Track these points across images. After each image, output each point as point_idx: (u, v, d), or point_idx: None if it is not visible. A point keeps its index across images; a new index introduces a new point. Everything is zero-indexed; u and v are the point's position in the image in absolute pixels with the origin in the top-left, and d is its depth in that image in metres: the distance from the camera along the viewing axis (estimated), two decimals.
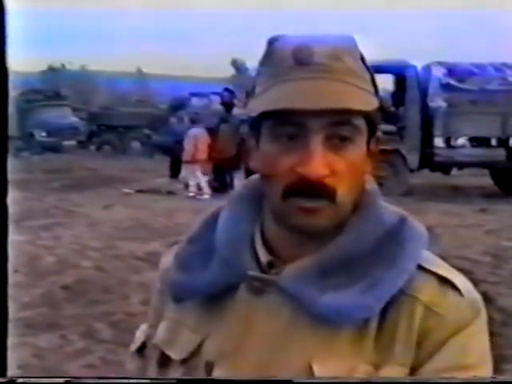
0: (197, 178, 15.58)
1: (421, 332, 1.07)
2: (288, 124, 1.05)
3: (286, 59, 1.07)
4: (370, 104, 1.07)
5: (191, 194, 15.27)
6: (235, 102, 16.62)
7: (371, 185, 1.17)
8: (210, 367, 1.12)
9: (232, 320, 1.13)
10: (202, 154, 15.64)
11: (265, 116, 1.06)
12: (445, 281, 1.10)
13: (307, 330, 1.08)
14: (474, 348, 1.09)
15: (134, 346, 1.34)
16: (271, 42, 1.11)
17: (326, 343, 1.07)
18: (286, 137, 1.05)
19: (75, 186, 16.51)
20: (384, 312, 1.07)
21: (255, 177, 1.22)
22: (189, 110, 23.03)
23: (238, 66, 17.54)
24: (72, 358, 5.54)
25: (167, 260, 1.27)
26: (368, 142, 1.11)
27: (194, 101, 24.88)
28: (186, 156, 15.76)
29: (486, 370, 1.10)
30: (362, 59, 1.11)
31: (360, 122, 1.07)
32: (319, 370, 1.06)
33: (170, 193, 15.82)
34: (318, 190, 1.04)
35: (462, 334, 1.07)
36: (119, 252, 9.01)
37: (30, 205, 11.31)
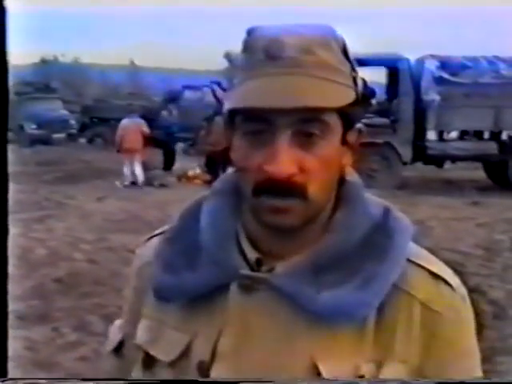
0: (129, 167, 16.11)
1: (425, 333, 1.08)
2: (256, 121, 1.03)
3: (257, 53, 1.04)
4: (343, 98, 1.04)
5: (126, 183, 15.84)
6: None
7: (353, 177, 1.15)
8: (203, 367, 1.10)
9: (224, 319, 1.11)
10: (131, 144, 16.02)
11: (237, 111, 1.05)
12: (436, 276, 1.10)
13: (306, 329, 1.07)
14: (474, 344, 1.13)
15: (110, 346, 1.30)
16: (248, 34, 1.09)
17: (327, 342, 1.07)
18: (255, 133, 1.03)
19: (68, 178, 16.48)
20: (381, 309, 1.07)
21: (234, 171, 1.19)
22: (180, 103, 23.01)
23: (231, 58, 17.50)
24: (65, 350, 5.54)
25: (142, 255, 1.26)
26: (344, 136, 1.09)
27: (187, 93, 24.86)
28: (115, 146, 16.63)
29: (478, 363, 1.14)
30: (345, 51, 1.08)
31: (331, 118, 1.04)
32: (325, 370, 1.05)
33: (163, 185, 15.81)
34: (286, 189, 1.02)
35: (463, 333, 1.11)
36: (111, 244, 9.01)
37: (23, 197, 11.29)
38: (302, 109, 0.99)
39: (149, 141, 16.89)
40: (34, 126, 26.82)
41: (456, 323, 1.10)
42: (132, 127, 16.34)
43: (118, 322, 1.32)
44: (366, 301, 1.05)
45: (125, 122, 16.60)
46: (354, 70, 1.09)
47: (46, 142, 25.32)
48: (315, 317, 1.06)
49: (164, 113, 20.20)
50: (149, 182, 16.04)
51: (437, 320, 1.08)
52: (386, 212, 1.14)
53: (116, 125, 16.86)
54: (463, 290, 1.13)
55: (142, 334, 1.20)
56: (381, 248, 1.08)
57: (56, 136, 26.64)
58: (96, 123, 27.92)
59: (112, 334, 1.32)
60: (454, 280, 1.12)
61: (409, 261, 1.10)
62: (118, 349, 1.28)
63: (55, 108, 28.36)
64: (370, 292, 1.05)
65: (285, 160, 1.01)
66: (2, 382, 1.13)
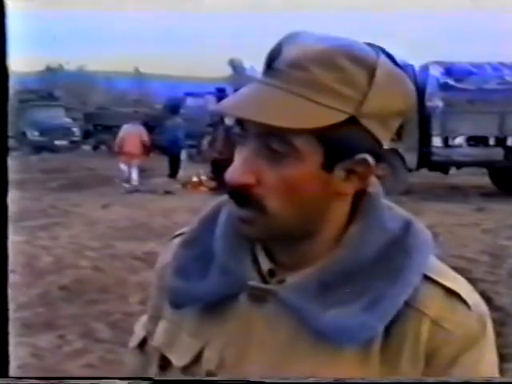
0: (128, 170, 16.80)
1: (429, 348, 1.03)
2: (239, 128, 1.04)
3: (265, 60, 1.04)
4: (315, 121, 0.97)
5: (126, 188, 16.33)
6: None
7: (375, 189, 1.11)
8: (210, 376, 1.10)
9: (232, 329, 1.10)
10: (130, 148, 16.74)
11: None
12: (451, 292, 1.05)
13: (310, 346, 1.05)
14: (484, 366, 1.07)
15: (134, 341, 1.31)
16: None
17: (329, 360, 1.04)
18: (238, 141, 1.04)
19: (73, 185, 16.50)
20: (389, 326, 1.03)
21: None
22: (183, 111, 23.13)
23: (235, 65, 17.55)
24: (71, 357, 5.53)
25: (166, 255, 1.25)
26: (330, 162, 1.01)
27: (189, 101, 24.99)
28: (115, 147, 17.54)
29: None
30: (372, 72, 0.99)
31: (299, 140, 0.98)
32: None
33: (168, 192, 15.82)
34: (243, 198, 1.02)
35: (471, 352, 1.04)
36: (117, 252, 9.00)
37: (28, 205, 11.31)
38: (260, 123, 0.97)
39: (148, 149, 17.49)
40: (36, 133, 26.99)
41: (468, 343, 1.04)
42: (132, 132, 17.01)
43: (143, 318, 1.32)
44: (369, 324, 1.01)
45: (126, 126, 17.32)
46: (366, 95, 0.99)
47: (48, 148, 25.42)
48: (318, 335, 1.03)
49: (169, 122, 20.22)
50: (148, 189, 16.17)
51: (446, 338, 1.03)
52: (407, 226, 1.09)
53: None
54: (481, 310, 1.07)
55: (159, 336, 1.20)
56: (396, 266, 1.04)
57: (58, 143, 26.77)
58: (99, 130, 28.08)
59: (137, 329, 1.32)
60: (472, 298, 1.07)
61: (424, 276, 1.05)
62: (142, 345, 1.29)
63: (58, 115, 28.56)
64: (375, 314, 1.01)
65: (240, 168, 1.01)
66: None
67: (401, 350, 1.04)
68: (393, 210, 1.11)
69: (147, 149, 17.43)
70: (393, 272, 1.03)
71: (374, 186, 1.11)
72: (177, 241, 1.23)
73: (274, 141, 0.99)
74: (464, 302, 1.05)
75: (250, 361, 1.08)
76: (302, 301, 1.04)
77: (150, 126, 20.15)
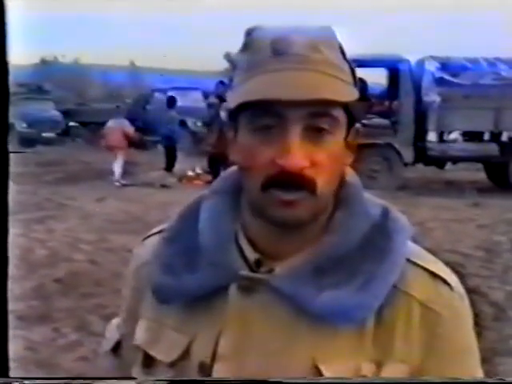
0: (116, 164, 16.91)
1: (424, 331, 1.09)
2: (267, 115, 1.03)
3: (264, 50, 1.05)
4: (349, 95, 1.06)
5: (117, 183, 16.41)
6: None
7: (353, 177, 1.16)
8: (204, 368, 1.10)
9: (224, 320, 1.11)
10: (112, 142, 16.97)
11: (243, 107, 1.05)
12: (434, 275, 1.11)
13: (307, 330, 1.07)
14: (473, 341, 1.14)
15: (107, 345, 1.30)
16: (249, 33, 1.10)
17: (327, 343, 1.07)
18: (265, 128, 1.04)
19: (68, 179, 16.48)
20: (380, 310, 1.07)
21: (233, 169, 1.21)
22: (150, 107, 23.60)
23: (231, 59, 17.54)
24: (65, 350, 5.54)
25: (140, 255, 1.26)
26: (347, 134, 1.10)
27: (157, 96, 25.58)
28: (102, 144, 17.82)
29: (478, 360, 1.15)
30: (342, 51, 1.10)
31: (339, 114, 1.06)
32: (326, 371, 1.05)
33: (164, 186, 15.80)
34: (297, 182, 1.03)
35: (464, 330, 1.13)
36: (112, 245, 9.01)
37: (23, 198, 11.28)
38: (313, 102, 1.00)
39: (133, 140, 17.70)
40: (24, 125, 26.98)
41: (455, 322, 1.10)
42: (114, 127, 17.16)
43: (115, 321, 1.33)
44: (365, 303, 1.05)
45: (110, 121, 17.54)
46: (352, 70, 1.11)
47: (38, 141, 25.41)
48: (315, 318, 1.06)
49: (164, 114, 20.16)
50: (144, 183, 16.17)
51: (436, 319, 1.09)
52: (385, 212, 1.14)
53: (95, 128, 17.72)
54: (461, 289, 1.14)
55: (141, 335, 1.20)
56: (380, 249, 1.09)
57: (46, 135, 26.84)
58: (77, 127, 28.56)
59: (109, 333, 1.32)
60: (453, 279, 1.13)
61: (407, 261, 1.10)
62: (116, 348, 1.29)
63: (47, 108, 28.62)
64: (369, 294, 1.05)
65: (297, 153, 1.02)
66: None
67: (393, 330, 1.08)
68: (371, 199, 1.17)
69: (132, 140, 17.60)
70: (377, 254, 1.08)
71: (352, 175, 1.17)
72: (154, 239, 1.23)
73: (322, 119, 1.04)
74: (447, 283, 1.11)
75: (248, 351, 1.09)
76: (294, 287, 1.07)
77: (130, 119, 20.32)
